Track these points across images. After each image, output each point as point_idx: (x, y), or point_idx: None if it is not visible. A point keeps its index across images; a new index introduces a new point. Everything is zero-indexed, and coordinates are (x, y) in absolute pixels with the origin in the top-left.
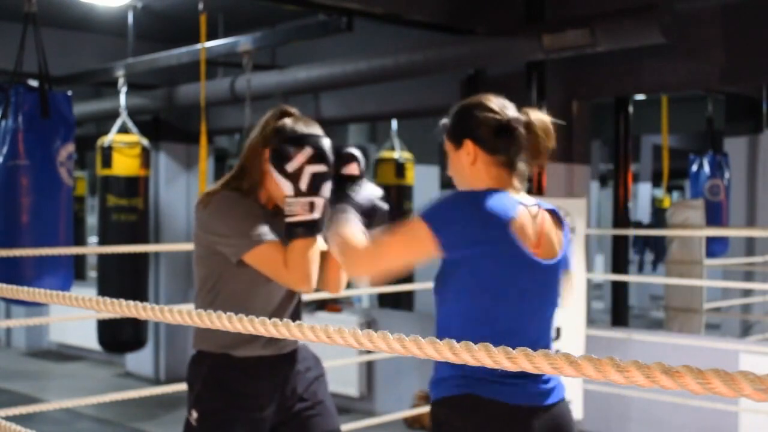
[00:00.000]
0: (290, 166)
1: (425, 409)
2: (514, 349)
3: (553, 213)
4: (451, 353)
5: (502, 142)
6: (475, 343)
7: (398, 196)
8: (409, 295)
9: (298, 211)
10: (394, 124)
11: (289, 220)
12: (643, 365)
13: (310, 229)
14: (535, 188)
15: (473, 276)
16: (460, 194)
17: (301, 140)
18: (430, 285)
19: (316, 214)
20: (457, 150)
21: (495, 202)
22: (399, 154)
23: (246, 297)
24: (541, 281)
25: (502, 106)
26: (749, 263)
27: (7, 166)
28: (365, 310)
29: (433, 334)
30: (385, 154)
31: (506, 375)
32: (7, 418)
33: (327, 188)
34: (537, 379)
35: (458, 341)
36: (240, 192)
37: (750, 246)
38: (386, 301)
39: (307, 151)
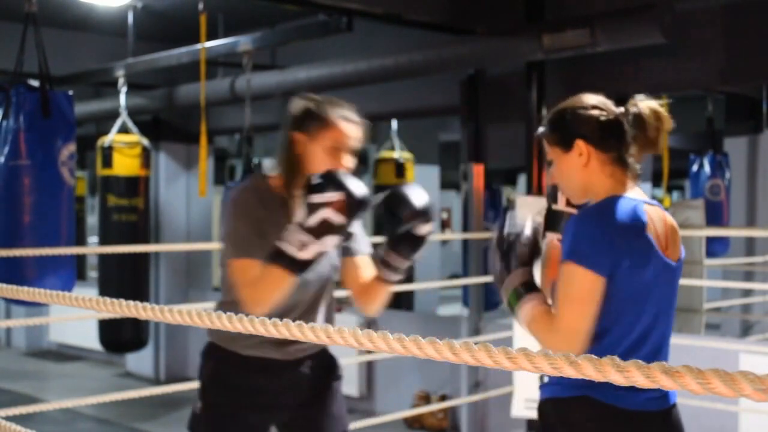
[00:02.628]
0: (314, 198)
1: (425, 409)
2: (641, 354)
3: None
4: (451, 353)
5: (612, 138)
6: (611, 349)
7: None
8: (409, 295)
9: (291, 241)
10: (394, 124)
11: (278, 244)
12: (643, 365)
13: (291, 265)
14: (535, 188)
15: (623, 288)
16: (586, 214)
17: (338, 183)
18: (430, 285)
19: (305, 255)
20: (566, 153)
21: (624, 209)
22: (399, 154)
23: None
24: (671, 283)
25: (604, 102)
26: (749, 263)
27: (8, 166)
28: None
29: (432, 333)
30: (385, 154)
31: None
32: (7, 418)
33: (330, 241)
34: None
35: (597, 348)
36: (268, 186)
37: (750, 246)
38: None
39: (337, 196)
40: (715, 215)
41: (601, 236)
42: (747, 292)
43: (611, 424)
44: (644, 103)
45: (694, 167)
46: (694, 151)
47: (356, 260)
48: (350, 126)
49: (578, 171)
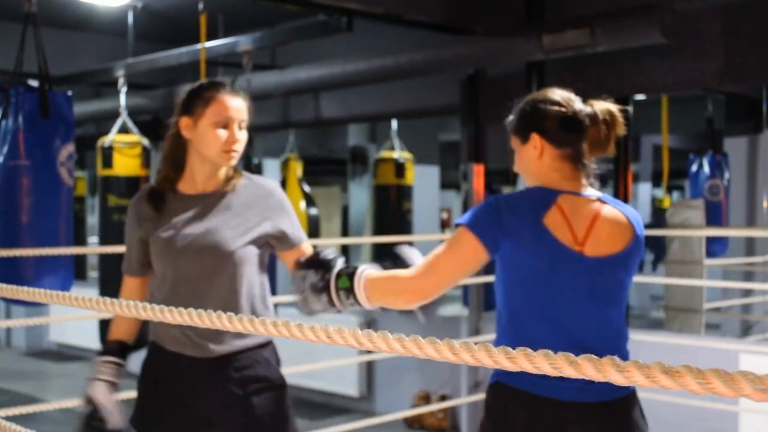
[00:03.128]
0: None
1: (425, 409)
2: (551, 343)
3: (623, 211)
4: (451, 353)
5: (568, 136)
6: (519, 334)
7: (398, 196)
8: None
9: (96, 367)
10: (394, 124)
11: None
12: (643, 365)
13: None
14: None
15: (513, 271)
16: (495, 196)
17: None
18: None
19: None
20: (523, 144)
21: (530, 197)
22: (399, 154)
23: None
24: (586, 277)
25: (568, 98)
26: (749, 263)
27: (7, 166)
28: (365, 310)
29: (432, 333)
30: (385, 154)
31: None
32: (7, 418)
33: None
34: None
35: (506, 333)
36: (167, 183)
37: (750, 246)
38: None
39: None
40: (713, 215)
41: (497, 217)
42: (747, 292)
43: (522, 408)
44: (600, 105)
45: (694, 167)
46: (693, 151)
47: (302, 251)
48: (231, 98)
49: (532, 162)
